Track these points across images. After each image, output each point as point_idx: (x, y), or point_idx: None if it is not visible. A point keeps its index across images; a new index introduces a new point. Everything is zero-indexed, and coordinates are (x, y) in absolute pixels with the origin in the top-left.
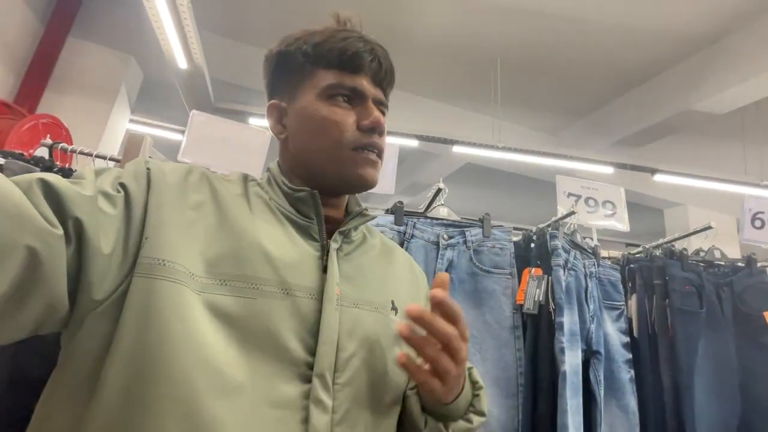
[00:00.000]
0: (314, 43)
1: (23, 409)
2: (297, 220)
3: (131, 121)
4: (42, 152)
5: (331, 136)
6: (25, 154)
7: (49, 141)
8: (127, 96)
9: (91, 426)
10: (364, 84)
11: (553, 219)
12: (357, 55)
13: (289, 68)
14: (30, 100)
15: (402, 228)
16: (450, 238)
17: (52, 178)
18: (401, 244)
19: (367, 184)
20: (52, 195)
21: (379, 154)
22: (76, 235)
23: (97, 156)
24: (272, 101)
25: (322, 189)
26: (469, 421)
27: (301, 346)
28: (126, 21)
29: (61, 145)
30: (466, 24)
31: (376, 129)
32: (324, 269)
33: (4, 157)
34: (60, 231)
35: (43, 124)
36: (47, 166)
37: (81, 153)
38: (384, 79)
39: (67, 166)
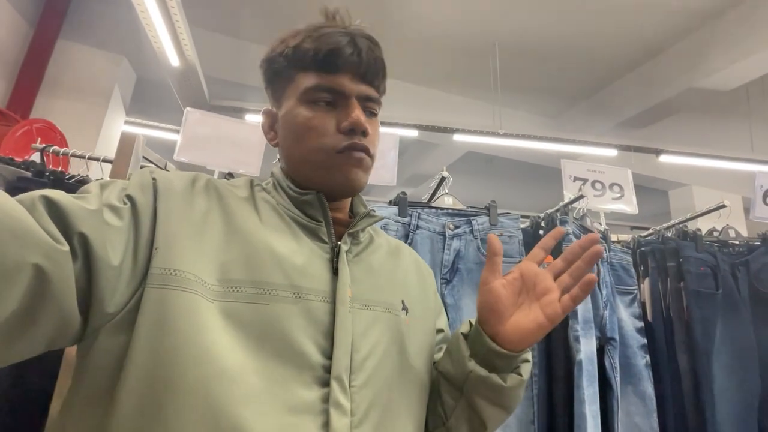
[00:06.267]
0: (293, 45)
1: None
2: (305, 222)
3: (126, 122)
4: (36, 157)
5: (311, 143)
6: (19, 160)
7: (40, 145)
8: (121, 98)
9: None
10: (345, 83)
11: (562, 204)
12: (332, 53)
13: (275, 74)
14: (23, 106)
15: (406, 219)
16: (456, 227)
17: (55, 194)
18: (406, 236)
19: (355, 186)
20: (56, 211)
21: (366, 152)
22: (83, 251)
23: (90, 158)
24: (266, 107)
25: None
26: (519, 373)
27: (317, 349)
28: (116, 21)
29: (52, 148)
30: (463, 10)
31: (356, 129)
32: (335, 271)
33: None
34: (66, 247)
35: (37, 128)
36: (39, 170)
37: (74, 155)
38: (368, 72)
39: (60, 169)
